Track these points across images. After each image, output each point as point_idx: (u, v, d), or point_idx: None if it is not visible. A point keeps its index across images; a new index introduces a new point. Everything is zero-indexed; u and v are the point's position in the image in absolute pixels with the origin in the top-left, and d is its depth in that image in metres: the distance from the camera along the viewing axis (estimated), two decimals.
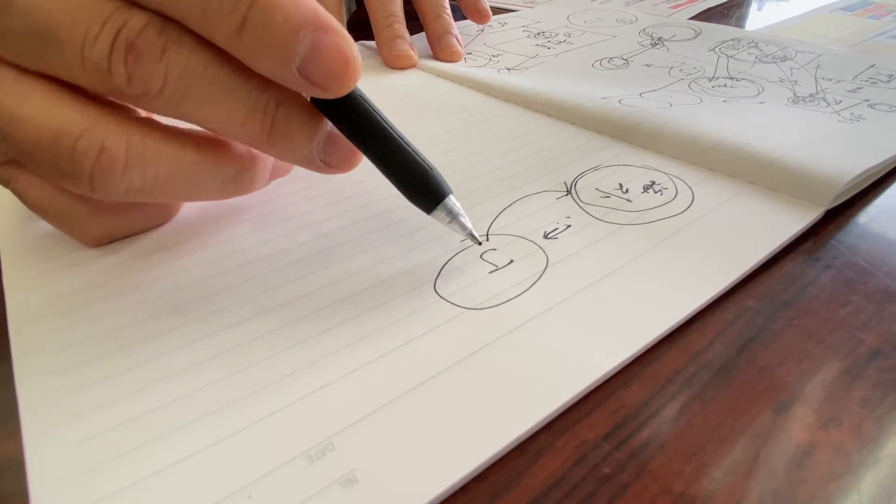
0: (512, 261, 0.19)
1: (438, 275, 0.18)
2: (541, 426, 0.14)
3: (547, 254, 0.19)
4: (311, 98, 0.17)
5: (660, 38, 0.42)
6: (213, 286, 0.18)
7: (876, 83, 0.32)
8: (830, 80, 0.33)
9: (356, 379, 0.14)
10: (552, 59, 0.38)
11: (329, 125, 0.17)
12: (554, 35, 0.43)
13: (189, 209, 0.21)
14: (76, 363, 0.15)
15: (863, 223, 0.21)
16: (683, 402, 0.14)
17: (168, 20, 0.14)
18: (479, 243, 0.19)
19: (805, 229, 0.20)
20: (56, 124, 0.15)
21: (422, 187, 0.18)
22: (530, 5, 0.52)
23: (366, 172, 0.19)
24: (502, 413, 0.14)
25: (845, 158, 0.22)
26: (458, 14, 0.42)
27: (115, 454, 0.12)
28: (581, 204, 0.22)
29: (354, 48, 0.15)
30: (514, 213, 0.21)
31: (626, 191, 0.22)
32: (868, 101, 0.30)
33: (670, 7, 0.51)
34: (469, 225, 0.19)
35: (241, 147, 0.18)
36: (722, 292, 0.17)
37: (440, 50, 0.37)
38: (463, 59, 0.38)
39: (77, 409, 0.13)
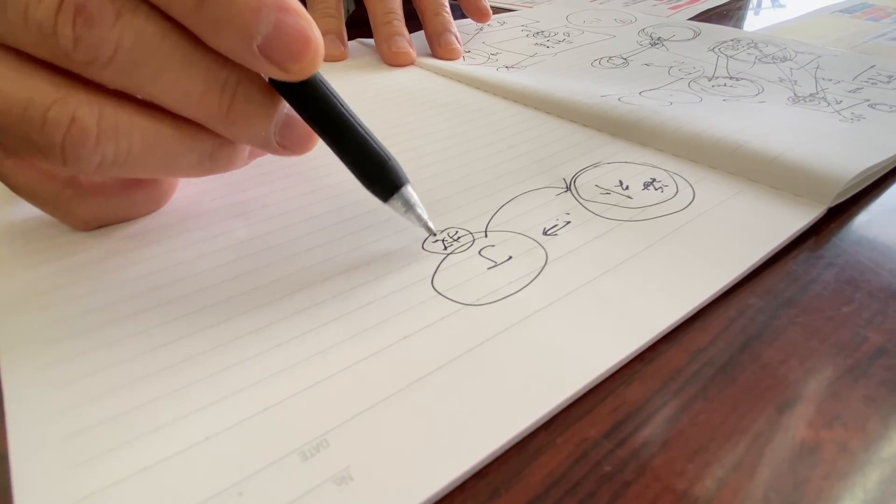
0: (511, 257, 0.18)
1: (436, 271, 0.18)
2: (540, 423, 0.13)
3: (546, 250, 0.19)
4: (270, 80, 0.16)
5: (659, 38, 0.41)
6: (204, 280, 0.17)
7: (876, 84, 0.32)
8: (830, 80, 0.33)
9: (352, 375, 0.14)
10: (551, 57, 0.38)
11: (286, 107, 0.17)
12: (553, 34, 0.43)
13: (180, 199, 0.21)
14: (63, 357, 0.14)
15: (865, 221, 0.21)
16: (685, 400, 0.14)
17: None
18: (434, 234, 0.19)
19: (807, 227, 0.20)
20: (25, 94, 0.14)
21: (378, 175, 0.18)
22: (529, 5, 0.52)
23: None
24: (501, 410, 0.13)
25: (847, 156, 0.22)
26: (458, 13, 0.42)
27: (101, 450, 0.12)
28: (581, 200, 0.21)
29: (318, 32, 0.15)
30: (512, 210, 0.21)
31: (627, 187, 0.22)
32: (868, 101, 0.30)
33: (669, 8, 0.51)
34: (425, 216, 0.19)
35: None
36: (723, 290, 0.17)
37: (439, 47, 0.37)
38: (462, 58, 0.37)
39: (63, 404, 0.13)
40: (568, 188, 0.22)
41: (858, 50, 0.40)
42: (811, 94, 0.31)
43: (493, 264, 0.18)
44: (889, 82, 0.32)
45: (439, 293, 0.17)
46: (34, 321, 0.16)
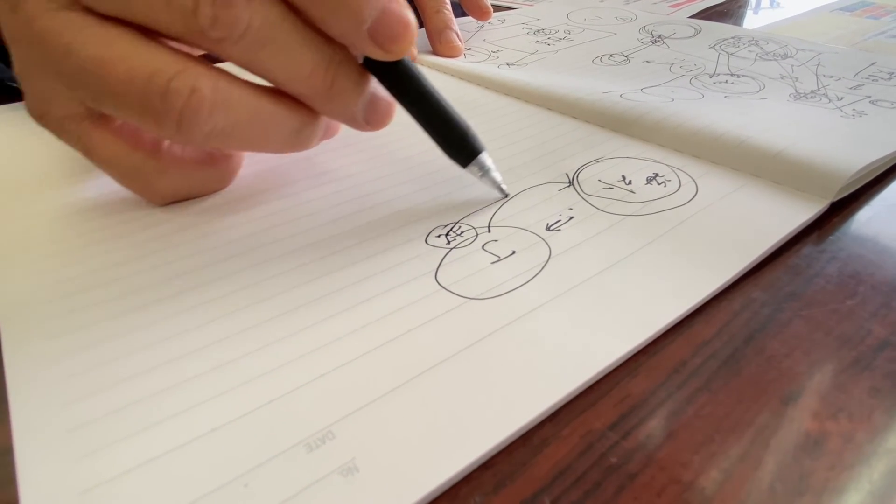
0: (514, 251, 0.18)
1: (440, 265, 0.18)
2: (545, 416, 0.13)
3: (549, 245, 0.19)
4: (365, 61, 0.18)
5: (660, 36, 0.41)
6: (205, 276, 0.17)
7: (877, 80, 0.32)
8: (831, 77, 0.33)
9: (357, 368, 0.14)
10: (552, 55, 0.38)
11: (373, 86, 0.19)
12: (554, 32, 0.43)
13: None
14: (69, 349, 0.14)
15: (868, 216, 0.21)
16: (690, 393, 0.14)
17: None
18: (506, 195, 0.21)
19: (810, 221, 0.20)
20: (151, 65, 0.16)
21: (461, 142, 0.20)
22: (529, 3, 0.52)
23: (363, 164, 0.19)
24: (505, 402, 0.13)
25: (849, 151, 0.22)
26: (458, 10, 0.42)
27: (107, 441, 0.12)
28: (583, 195, 0.21)
29: (413, 16, 0.17)
30: (515, 205, 0.21)
31: (630, 182, 0.22)
32: (870, 97, 0.30)
33: (670, 6, 0.51)
34: (499, 178, 0.21)
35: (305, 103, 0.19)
36: (727, 283, 0.17)
37: (440, 45, 0.37)
38: (462, 55, 0.37)
39: (68, 396, 0.13)
40: (570, 183, 0.22)
41: (859, 47, 0.40)
42: (812, 91, 0.31)
43: (496, 259, 0.18)
44: (890, 79, 0.32)
45: (443, 287, 0.17)
46: (38, 314, 0.16)
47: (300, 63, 0.17)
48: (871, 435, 0.13)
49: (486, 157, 0.20)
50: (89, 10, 0.16)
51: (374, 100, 0.19)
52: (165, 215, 0.20)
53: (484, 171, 0.20)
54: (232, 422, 0.13)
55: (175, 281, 0.17)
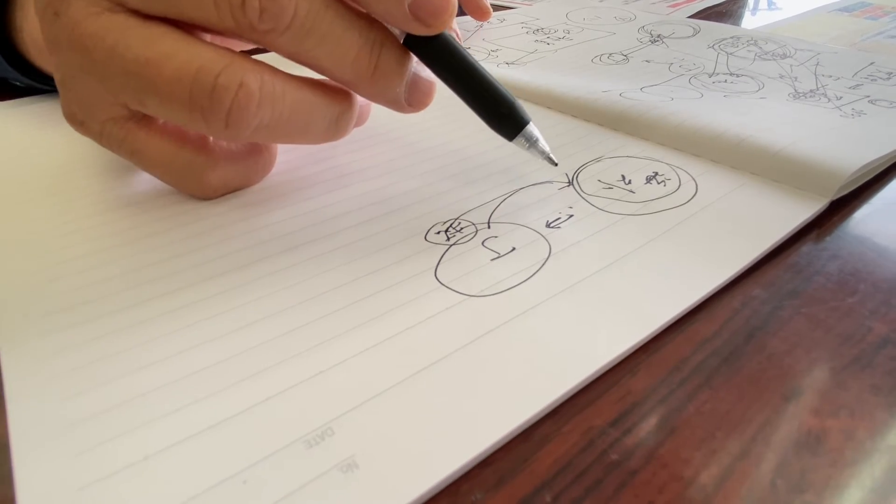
0: (514, 248, 0.18)
1: (439, 262, 0.18)
2: (546, 412, 0.13)
3: (549, 242, 0.19)
4: (406, 40, 0.18)
5: (659, 36, 0.42)
6: (204, 272, 0.17)
7: (876, 80, 0.32)
8: (830, 76, 0.33)
9: (356, 364, 0.14)
10: (551, 54, 0.38)
11: (413, 68, 0.19)
12: (553, 31, 0.43)
13: None
14: (66, 345, 0.14)
15: (868, 214, 0.21)
16: (691, 390, 0.14)
17: None
18: (556, 164, 0.21)
19: (810, 220, 0.20)
20: (197, 62, 0.16)
21: (507, 115, 0.20)
22: (528, 3, 0.52)
23: (360, 162, 0.18)
24: (506, 399, 0.13)
25: (849, 150, 0.22)
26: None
27: (104, 438, 0.12)
28: (583, 195, 0.21)
29: None
30: (515, 202, 0.21)
31: (629, 182, 0.22)
32: (868, 97, 0.30)
33: (668, 6, 0.51)
34: (547, 148, 0.21)
35: (341, 91, 0.19)
36: (728, 281, 0.17)
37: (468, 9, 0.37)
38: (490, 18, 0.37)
39: (66, 391, 0.13)
40: (570, 183, 0.22)
41: (857, 48, 0.40)
42: (811, 91, 0.31)
43: (496, 255, 0.18)
44: (889, 79, 0.33)
45: (443, 284, 0.17)
46: (34, 309, 0.15)
47: (345, 48, 0.17)
48: (872, 432, 0.13)
49: (533, 128, 0.20)
50: (133, 12, 0.16)
51: (416, 80, 0.19)
52: (156, 213, 0.20)
53: (531, 142, 0.20)
54: (230, 418, 0.12)
55: (172, 278, 0.17)
